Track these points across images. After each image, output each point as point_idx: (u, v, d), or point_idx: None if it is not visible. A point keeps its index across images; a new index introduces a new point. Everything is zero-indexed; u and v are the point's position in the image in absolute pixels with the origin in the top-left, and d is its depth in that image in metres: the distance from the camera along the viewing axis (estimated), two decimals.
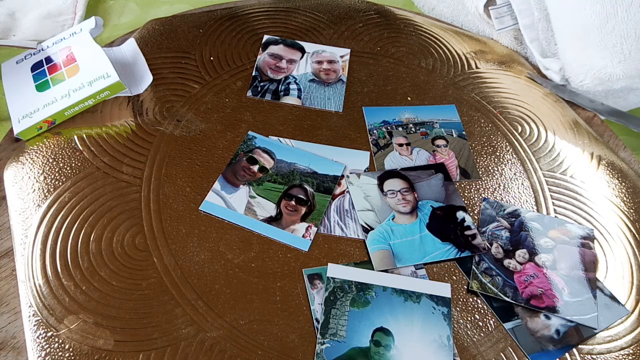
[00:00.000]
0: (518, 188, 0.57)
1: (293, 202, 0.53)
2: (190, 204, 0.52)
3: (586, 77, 0.63)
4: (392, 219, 0.52)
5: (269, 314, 0.45)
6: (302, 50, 0.67)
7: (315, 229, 0.51)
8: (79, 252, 0.47)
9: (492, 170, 0.58)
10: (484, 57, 0.70)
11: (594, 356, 0.46)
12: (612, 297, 0.49)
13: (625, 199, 0.56)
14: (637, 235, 0.54)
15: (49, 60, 0.61)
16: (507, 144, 0.60)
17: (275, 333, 0.45)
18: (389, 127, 0.60)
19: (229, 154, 0.56)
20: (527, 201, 0.55)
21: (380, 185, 0.55)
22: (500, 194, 0.56)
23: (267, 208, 0.52)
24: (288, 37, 0.69)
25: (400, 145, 0.59)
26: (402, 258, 0.49)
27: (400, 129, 0.60)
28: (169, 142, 0.56)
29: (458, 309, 0.47)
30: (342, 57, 0.67)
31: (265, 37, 0.68)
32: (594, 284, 0.49)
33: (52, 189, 0.51)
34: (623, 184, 0.57)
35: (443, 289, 0.48)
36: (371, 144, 0.59)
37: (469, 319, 0.47)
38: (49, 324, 0.43)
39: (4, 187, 0.52)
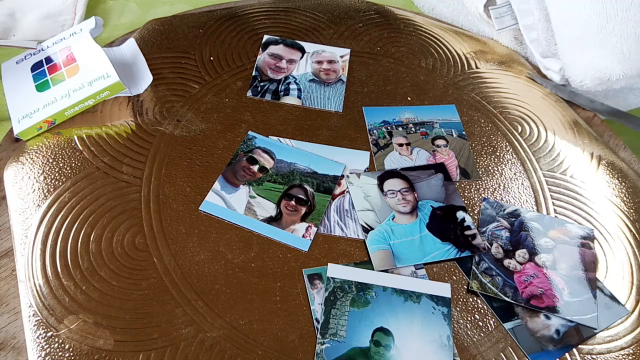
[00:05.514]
0: (518, 188, 0.56)
1: (293, 202, 0.53)
2: (190, 204, 0.52)
3: (586, 77, 0.63)
4: (392, 219, 0.52)
5: (269, 314, 0.45)
6: (302, 50, 0.67)
7: (315, 229, 0.51)
8: (79, 252, 0.47)
9: (492, 170, 0.58)
10: (484, 57, 0.70)
11: (594, 356, 0.46)
12: (612, 297, 0.49)
13: (625, 199, 0.56)
14: (637, 235, 0.54)
15: (48, 60, 0.60)
16: (507, 144, 0.60)
17: (275, 333, 0.45)
18: (389, 127, 0.60)
19: (229, 154, 0.56)
20: (527, 201, 0.55)
21: (380, 185, 0.55)
22: (500, 194, 0.56)
23: (267, 208, 0.52)
24: (288, 37, 0.69)
25: (400, 145, 0.59)
26: (402, 258, 0.49)
27: (400, 129, 0.60)
28: (169, 142, 0.56)
29: (458, 309, 0.47)
30: (342, 57, 0.67)
31: (265, 37, 0.68)
32: (594, 284, 0.49)
33: (52, 189, 0.51)
34: (623, 184, 0.57)
35: (443, 289, 0.48)
36: (371, 144, 0.59)
37: (469, 319, 0.47)
38: (49, 324, 0.43)
39: (4, 187, 0.52)
